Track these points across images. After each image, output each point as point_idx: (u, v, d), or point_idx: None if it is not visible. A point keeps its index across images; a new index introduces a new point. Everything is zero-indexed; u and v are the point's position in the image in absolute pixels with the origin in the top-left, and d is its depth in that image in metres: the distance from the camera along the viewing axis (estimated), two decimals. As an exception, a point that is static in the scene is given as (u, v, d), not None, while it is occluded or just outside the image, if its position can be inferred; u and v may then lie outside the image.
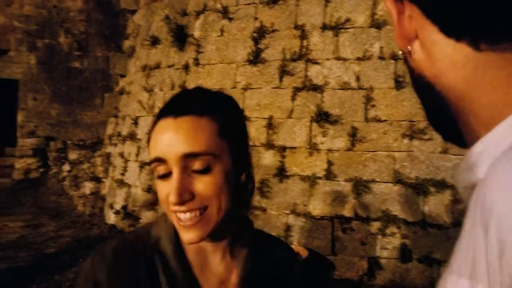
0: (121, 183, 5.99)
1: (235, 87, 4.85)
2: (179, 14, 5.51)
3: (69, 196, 7.23)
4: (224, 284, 0.70)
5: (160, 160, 0.61)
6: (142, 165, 5.61)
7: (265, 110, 4.62)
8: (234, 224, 0.70)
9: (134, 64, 6.44)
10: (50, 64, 8.57)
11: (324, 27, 4.45)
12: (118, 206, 5.86)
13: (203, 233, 0.62)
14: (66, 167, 7.97)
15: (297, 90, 4.45)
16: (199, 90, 0.72)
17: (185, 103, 0.65)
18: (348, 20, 4.40)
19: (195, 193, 0.61)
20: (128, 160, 5.99)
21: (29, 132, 8.49)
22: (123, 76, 6.79)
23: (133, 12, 6.69)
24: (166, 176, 0.62)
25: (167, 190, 0.61)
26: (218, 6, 5.05)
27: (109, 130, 7.09)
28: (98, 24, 8.94)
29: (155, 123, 0.65)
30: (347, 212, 4.21)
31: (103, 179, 6.83)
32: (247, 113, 4.71)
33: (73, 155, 8.27)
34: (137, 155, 5.81)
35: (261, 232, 0.80)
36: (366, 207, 4.20)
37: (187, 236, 0.62)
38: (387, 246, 4.08)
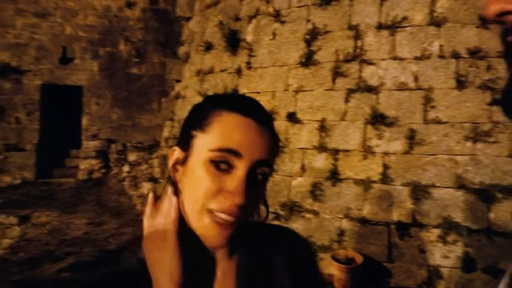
0: (176, 184, 6.21)
1: (287, 90, 4.86)
2: (232, 20, 5.62)
3: (129, 195, 7.62)
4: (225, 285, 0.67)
5: (234, 153, 0.59)
6: (196, 167, 5.78)
7: (318, 113, 4.57)
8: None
9: (189, 69, 6.66)
10: (111, 70, 9.10)
11: (380, 27, 4.32)
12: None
13: (229, 238, 0.60)
14: (126, 168, 8.41)
15: (350, 91, 4.36)
16: (258, 103, 0.70)
17: (262, 113, 0.65)
18: (405, 18, 4.24)
19: (250, 199, 0.60)
20: (183, 162, 6.20)
21: (92, 135, 9.06)
22: (178, 81, 7.05)
23: (188, 19, 6.92)
24: (224, 172, 0.59)
25: (219, 185, 0.59)
26: (271, 10, 5.09)
27: (166, 133, 7.38)
28: (155, 32, 9.35)
29: (218, 111, 0.62)
30: (404, 218, 4.04)
31: (160, 180, 7.12)
32: (299, 115, 4.70)
33: (132, 157, 8.71)
34: (191, 157, 5.99)
35: (257, 225, 0.75)
36: (425, 213, 4.01)
37: (215, 237, 0.60)
38: (449, 255, 3.87)
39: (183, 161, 0.64)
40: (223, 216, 0.58)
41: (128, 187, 7.89)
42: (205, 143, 0.61)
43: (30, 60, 8.56)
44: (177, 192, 0.65)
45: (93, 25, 8.96)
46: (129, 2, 9.18)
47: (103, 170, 8.96)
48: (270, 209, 4.85)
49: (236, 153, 0.59)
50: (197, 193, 0.60)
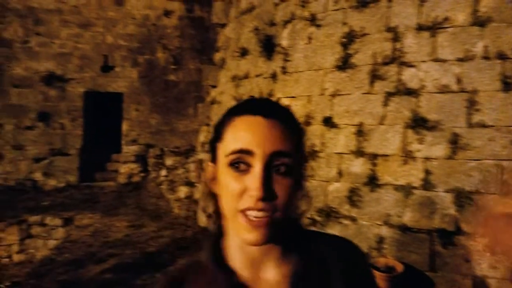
0: (212, 188, 6.29)
1: (323, 94, 4.82)
2: (267, 25, 5.65)
3: (166, 199, 7.81)
4: None
5: (246, 152, 0.61)
6: (232, 171, 5.84)
7: (355, 117, 4.50)
8: (287, 231, 0.70)
9: (224, 75, 6.76)
10: (150, 77, 9.38)
11: (420, 28, 4.20)
12: (210, 210, 6.16)
13: (267, 235, 0.61)
14: (163, 172, 8.62)
15: (389, 95, 4.26)
16: (271, 101, 0.73)
17: (273, 109, 0.66)
18: (446, 19, 4.10)
19: (275, 193, 0.61)
20: (219, 167, 6.28)
21: (132, 140, 9.37)
22: (214, 86, 7.16)
23: (224, 25, 7.03)
24: (243, 171, 0.62)
25: (242, 184, 0.61)
26: (306, 14, 5.07)
27: (201, 138, 7.51)
28: (191, 39, 9.56)
29: (230, 118, 0.66)
30: (447, 225, 3.89)
31: (196, 184, 7.25)
32: (335, 119, 4.64)
33: (169, 161, 8.92)
34: (227, 161, 6.06)
35: (313, 233, 0.77)
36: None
37: (252, 236, 0.61)
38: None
39: (214, 174, 0.68)
40: (253, 213, 0.60)
41: (165, 191, 8.09)
42: (223, 150, 0.65)
43: (74, 69, 8.99)
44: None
45: (133, 34, 9.29)
46: (167, 10, 9.45)
47: (142, 174, 9.24)
48: (307, 215, 4.82)
49: (248, 152, 0.61)
50: (228, 198, 0.63)
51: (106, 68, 9.18)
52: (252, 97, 0.72)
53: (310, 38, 5.03)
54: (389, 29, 4.38)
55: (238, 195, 0.61)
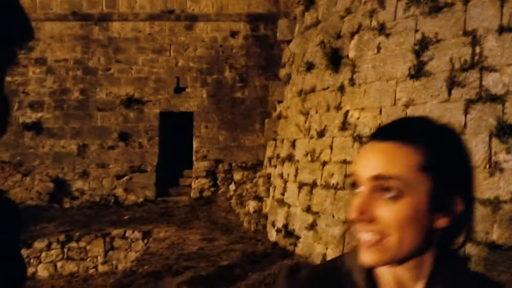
0: (281, 202, 6.31)
1: (395, 104, 4.65)
2: (333, 38, 5.63)
3: (236, 213, 7.97)
4: None
5: (354, 176, 0.65)
6: (301, 185, 5.81)
7: (431, 127, 4.26)
8: (437, 259, 0.66)
9: (290, 90, 6.82)
10: (218, 96, 9.77)
11: (501, 30, 3.90)
12: (279, 225, 6.17)
13: (379, 260, 0.61)
14: (232, 186, 8.84)
15: (470, 102, 3.99)
16: (419, 119, 0.70)
17: (392, 129, 0.66)
18: (533, 17, 3.77)
19: (376, 216, 0.60)
20: (287, 181, 6.29)
21: (202, 156, 9.77)
22: (280, 102, 7.25)
23: (289, 42, 7.13)
24: (356, 193, 0.64)
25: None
26: (374, 23, 4.98)
27: (269, 152, 7.60)
28: (256, 57, 9.82)
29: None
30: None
31: (265, 198, 7.32)
32: (410, 130, 4.44)
33: (237, 176, 9.13)
34: (295, 176, 6.05)
35: (472, 273, 0.72)
36: None
37: (362, 257, 0.62)
38: None
39: None
40: (359, 234, 0.63)
41: (235, 205, 8.27)
42: None
43: (150, 91, 9.67)
44: None
45: (202, 56, 9.79)
46: (233, 31, 9.83)
47: (212, 189, 9.56)
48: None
49: (354, 175, 0.65)
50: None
51: (178, 90, 9.75)
52: (398, 119, 0.71)
53: (379, 48, 4.91)
54: (466, 33, 4.13)
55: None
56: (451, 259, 0.69)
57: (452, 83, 4.15)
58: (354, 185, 0.65)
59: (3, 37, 0.41)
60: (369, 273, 0.69)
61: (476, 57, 4.02)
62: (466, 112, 4.01)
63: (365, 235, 0.61)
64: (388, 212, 0.60)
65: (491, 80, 3.90)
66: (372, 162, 0.62)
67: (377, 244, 0.61)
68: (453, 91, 4.14)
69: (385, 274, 0.68)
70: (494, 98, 3.84)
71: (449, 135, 0.67)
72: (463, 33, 4.16)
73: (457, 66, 4.14)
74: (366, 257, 0.62)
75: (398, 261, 0.63)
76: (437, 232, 0.63)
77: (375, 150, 0.63)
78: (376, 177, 0.61)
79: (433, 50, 4.36)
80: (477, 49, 4.03)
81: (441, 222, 0.62)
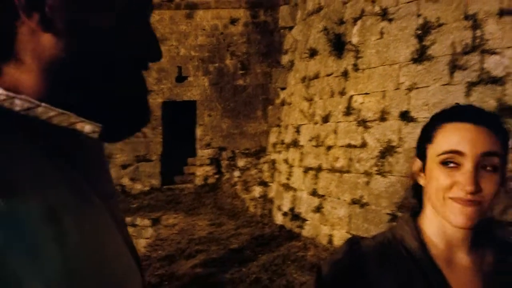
0: (287, 187, 6.47)
1: (398, 88, 4.77)
2: (336, 24, 5.71)
3: (241, 198, 8.14)
4: (468, 278, 0.78)
5: (456, 153, 0.74)
6: (306, 170, 5.96)
7: (434, 110, 4.38)
8: (485, 225, 0.79)
9: (293, 77, 6.91)
10: (220, 84, 9.84)
11: (502, 13, 4.01)
12: (285, 208, 6.35)
13: (472, 221, 0.73)
14: (236, 173, 8.99)
15: (471, 84, 4.11)
16: (476, 107, 0.83)
17: (482, 116, 0.78)
18: (533, 0, 3.87)
19: (481, 187, 0.72)
20: (293, 166, 6.44)
21: (206, 144, 9.89)
22: (283, 88, 7.35)
23: (291, 28, 7.19)
24: (453, 168, 0.75)
25: (452, 179, 0.74)
26: (377, 9, 5.06)
27: (273, 138, 7.73)
28: (257, 44, 9.86)
29: (441, 124, 0.79)
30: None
31: (270, 183, 7.47)
32: (413, 113, 4.57)
33: (241, 163, 9.27)
34: (300, 160, 6.20)
35: (503, 238, 0.87)
36: None
37: (459, 219, 0.73)
38: None
39: (422, 168, 0.83)
40: (462, 202, 0.73)
41: (240, 191, 8.43)
42: (435, 151, 0.79)
43: (153, 81, 9.72)
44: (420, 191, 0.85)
45: (203, 44, 9.83)
46: (233, 18, 9.85)
47: (216, 176, 9.71)
48: (386, 211, 4.72)
49: (459, 152, 0.74)
50: (437, 188, 0.77)
51: (181, 79, 9.81)
52: (457, 104, 0.85)
53: (382, 33, 5.00)
54: (468, 17, 4.23)
55: (448, 187, 0.75)
56: (486, 226, 0.83)
57: (454, 67, 4.26)
58: (449, 161, 0.75)
59: None
60: (420, 237, 0.82)
61: (477, 41, 4.13)
62: (467, 95, 4.14)
63: (469, 202, 0.72)
64: (489, 182, 0.73)
65: (491, 63, 4.02)
66: (480, 141, 0.73)
67: (476, 209, 0.73)
68: (455, 74, 4.26)
69: (435, 236, 0.81)
70: (495, 80, 3.97)
71: (506, 127, 0.81)
72: (464, 17, 4.26)
73: (458, 49, 4.25)
74: (465, 218, 0.73)
75: (478, 224, 0.75)
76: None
77: (478, 132, 0.74)
78: (486, 154, 0.73)
79: (435, 34, 4.46)
80: (478, 33, 4.14)
81: (502, 191, 0.77)
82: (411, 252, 0.80)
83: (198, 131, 9.96)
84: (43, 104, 0.45)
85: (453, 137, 0.76)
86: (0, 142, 0.39)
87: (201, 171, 9.79)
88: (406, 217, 0.87)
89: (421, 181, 0.84)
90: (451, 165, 0.75)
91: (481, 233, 0.81)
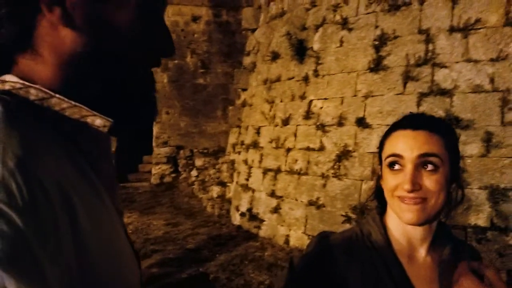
0: (245, 187, 6.53)
1: (355, 95, 4.98)
2: (298, 29, 5.85)
3: (199, 198, 8.09)
4: (427, 273, 0.86)
5: (397, 156, 0.83)
6: (265, 171, 6.06)
7: (388, 117, 4.65)
8: (437, 225, 0.88)
9: (255, 78, 6.99)
10: (180, 82, 9.72)
11: (452, 30, 4.32)
12: (243, 209, 6.40)
13: (421, 217, 0.80)
14: (194, 172, 8.92)
15: (422, 95, 4.40)
16: (425, 115, 0.92)
17: (421, 121, 0.86)
18: (478, 20, 4.21)
19: (422, 185, 0.80)
20: (252, 167, 6.51)
21: (163, 142, 9.72)
22: (245, 89, 7.40)
23: (253, 30, 7.26)
24: (398, 170, 0.83)
25: (396, 181, 0.82)
26: (338, 18, 5.25)
27: (232, 139, 7.76)
28: (219, 43, 9.85)
29: (390, 133, 0.90)
30: (482, 221, 4.00)
31: (228, 184, 7.50)
32: (368, 120, 4.80)
33: (199, 162, 9.22)
34: (260, 162, 6.28)
35: (456, 237, 0.95)
36: (504, 216, 3.94)
37: (408, 215, 0.81)
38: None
39: (380, 172, 0.92)
40: (406, 200, 0.81)
41: (197, 191, 8.38)
42: (384, 155, 0.89)
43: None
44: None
45: (163, 40, 9.63)
46: (194, 16, 9.76)
47: (173, 175, 9.57)
48: (341, 212, 4.91)
49: (399, 155, 0.83)
50: (387, 188, 0.86)
51: (139, 74, 9.55)
52: (410, 113, 0.94)
53: (342, 41, 5.20)
54: (421, 31, 4.52)
55: (395, 188, 0.83)
56: (445, 226, 0.92)
57: (407, 77, 4.53)
58: (393, 164, 0.84)
59: None
60: (385, 233, 0.89)
61: (429, 54, 4.43)
62: (419, 105, 4.42)
63: (413, 200, 0.80)
64: (430, 181, 0.80)
65: (441, 76, 4.32)
66: (417, 144, 0.81)
67: (421, 206, 0.80)
68: (407, 85, 4.53)
69: (398, 234, 0.89)
70: (444, 92, 4.27)
71: (452, 128, 0.92)
72: (418, 31, 4.55)
73: (412, 61, 4.52)
74: (412, 215, 0.80)
75: (429, 221, 0.83)
76: (449, 200, 0.85)
77: (415, 136, 0.83)
78: (422, 155, 0.81)
79: (391, 46, 4.72)
80: (430, 47, 4.43)
81: (455, 188, 0.86)
82: (376, 246, 0.87)
83: (155, 129, 9.76)
84: (57, 95, 0.46)
85: (394, 143, 0.85)
86: (15, 126, 0.40)
87: (157, 170, 9.60)
88: (373, 214, 0.94)
89: (382, 183, 0.92)
90: (396, 167, 0.84)
91: (440, 232, 0.89)
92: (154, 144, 9.78)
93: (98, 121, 0.49)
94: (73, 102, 0.47)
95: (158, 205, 7.99)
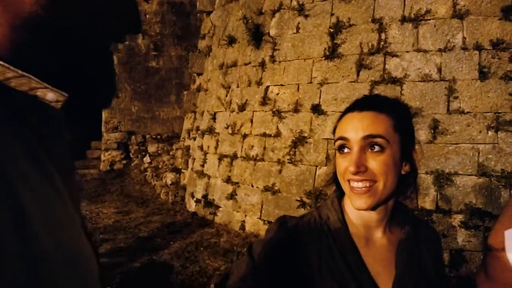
0: (201, 174, 6.43)
1: (311, 82, 5.02)
2: (255, 14, 5.76)
3: (152, 185, 7.87)
4: (384, 255, 0.86)
5: (344, 139, 0.81)
6: (221, 157, 5.99)
7: (342, 104, 4.73)
8: (394, 206, 0.87)
9: (211, 63, 6.83)
10: (130, 64, 9.30)
11: (404, 20, 4.45)
12: (198, 195, 6.31)
13: (371, 202, 0.79)
14: (147, 159, 8.65)
15: (375, 83, 4.51)
16: (378, 95, 0.92)
17: (368, 102, 0.85)
18: (428, 11, 4.37)
19: (368, 167, 0.79)
20: (207, 153, 6.41)
21: (113, 127, 9.30)
22: (200, 74, 7.22)
23: (209, 13, 7.06)
24: (346, 153, 0.82)
25: (345, 164, 0.81)
26: (294, 3, 5.23)
27: (187, 125, 7.58)
28: (172, 25, 9.51)
29: (341, 117, 0.87)
30: (428, 204, 4.22)
31: (183, 170, 7.34)
32: (323, 107, 4.86)
33: (152, 148, 8.94)
34: (216, 148, 6.20)
35: (415, 216, 0.96)
36: (448, 199, 4.19)
37: (358, 202, 0.80)
38: (471, 239, 4.05)
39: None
40: (355, 184, 0.80)
41: (150, 178, 8.14)
42: (335, 139, 0.87)
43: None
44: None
45: (112, 20, 9.13)
46: (147, -4, 9.34)
47: (124, 161, 9.22)
48: (296, 197, 4.96)
49: (345, 138, 0.82)
50: (338, 172, 0.85)
51: (86, 54, 9.02)
52: (363, 96, 0.90)
53: (298, 28, 5.19)
54: (375, 21, 4.61)
55: (344, 170, 0.81)
56: (402, 207, 0.92)
57: (360, 66, 4.63)
58: (342, 147, 0.83)
59: None
60: (342, 217, 0.88)
61: (382, 43, 4.54)
62: (371, 92, 4.53)
63: (359, 183, 0.79)
64: (376, 162, 0.79)
65: (393, 65, 4.45)
66: (361, 126, 0.79)
67: (369, 189, 0.79)
68: (361, 73, 4.63)
69: (354, 217, 0.87)
70: (395, 81, 4.41)
71: (404, 107, 0.89)
72: (371, 20, 4.64)
73: (365, 50, 4.62)
74: (361, 202, 0.79)
75: (380, 203, 0.82)
76: (401, 180, 0.84)
77: (361, 118, 0.81)
78: (367, 137, 0.79)
79: (346, 34, 4.78)
80: (383, 36, 4.55)
81: (406, 168, 0.84)
82: (333, 231, 0.86)
83: (105, 113, 9.31)
84: (0, 62, 0.37)
85: (343, 126, 0.84)
86: None
87: (107, 156, 9.20)
88: (332, 197, 0.93)
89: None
90: (345, 150, 0.82)
91: (397, 212, 0.89)
92: (103, 129, 9.34)
93: (50, 95, 0.41)
94: (20, 71, 0.38)
95: (108, 193, 7.68)
